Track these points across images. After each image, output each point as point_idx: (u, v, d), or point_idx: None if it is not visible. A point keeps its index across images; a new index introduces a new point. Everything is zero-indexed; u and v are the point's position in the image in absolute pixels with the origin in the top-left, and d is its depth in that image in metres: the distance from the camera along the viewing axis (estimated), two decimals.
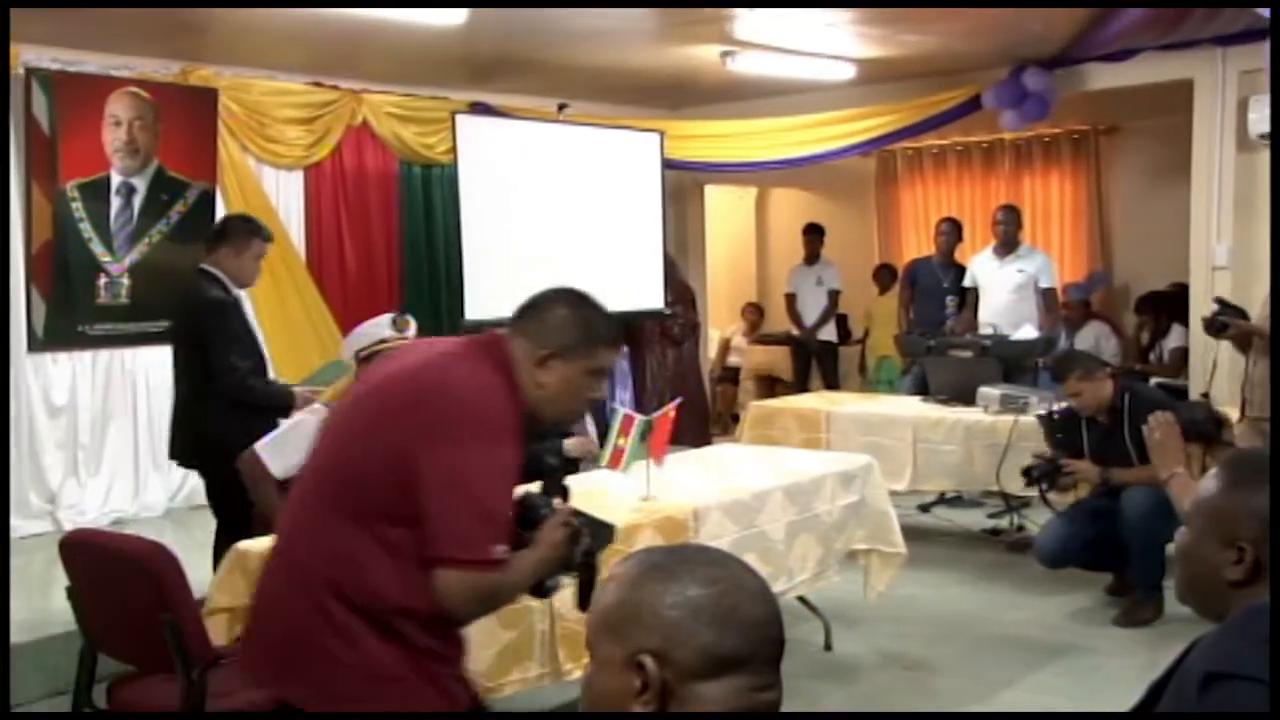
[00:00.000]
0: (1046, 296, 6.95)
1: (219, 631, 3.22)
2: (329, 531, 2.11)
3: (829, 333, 9.27)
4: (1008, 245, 7.00)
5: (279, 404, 4.31)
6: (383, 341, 3.86)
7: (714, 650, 1.26)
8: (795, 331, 9.34)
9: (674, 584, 1.29)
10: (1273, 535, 1.54)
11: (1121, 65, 7.10)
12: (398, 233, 7.94)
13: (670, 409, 4.18)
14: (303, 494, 2.25)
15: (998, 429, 5.57)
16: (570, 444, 4.44)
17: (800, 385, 9.11)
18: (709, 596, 1.27)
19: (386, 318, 3.95)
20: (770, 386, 9.74)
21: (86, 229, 6.32)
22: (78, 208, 6.27)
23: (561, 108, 8.32)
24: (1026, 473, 4.98)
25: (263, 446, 3.77)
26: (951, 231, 7.86)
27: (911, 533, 4.80)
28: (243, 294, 4.68)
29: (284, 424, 3.85)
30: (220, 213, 6.90)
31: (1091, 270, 9.25)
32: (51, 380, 6.32)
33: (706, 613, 1.26)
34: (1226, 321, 4.80)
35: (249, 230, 4.58)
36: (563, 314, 2.27)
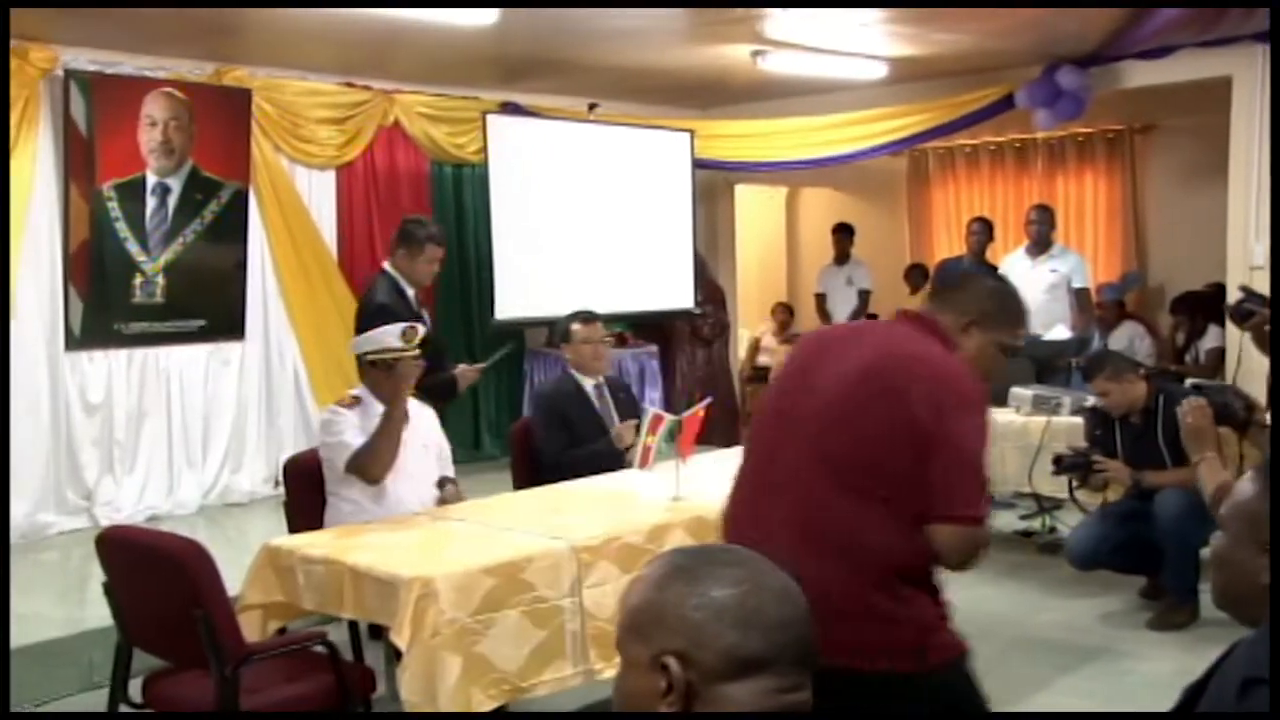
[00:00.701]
0: (1080, 297, 6.89)
1: (252, 628, 3.26)
2: (847, 510, 2.28)
3: None
4: (1041, 245, 6.95)
5: (442, 390, 4.62)
6: (387, 350, 3.88)
7: (737, 652, 1.25)
8: None
9: (698, 585, 1.29)
10: (1273, 535, 1.53)
11: (1159, 63, 7.03)
12: None
13: (700, 409, 4.18)
14: (800, 485, 2.33)
15: (1030, 430, 5.53)
16: (615, 433, 4.48)
17: None
18: (732, 598, 1.27)
19: (397, 327, 3.97)
20: None
21: (122, 229, 6.38)
22: (114, 207, 6.34)
23: (592, 107, 8.33)
24: (1057, 460, 4.94)
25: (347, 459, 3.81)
26: (982, 231, 7.81)
27: None
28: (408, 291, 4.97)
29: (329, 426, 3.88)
30: (254, 213, 6.98)
31: (1125, 270, 9.16)
32: (88, 378, 6.38)
33: (730, 614, 1.26)
34: (1251, 309, 4.74)
35: (423, 236, 4.90)
36: (986, 287, 2.54)
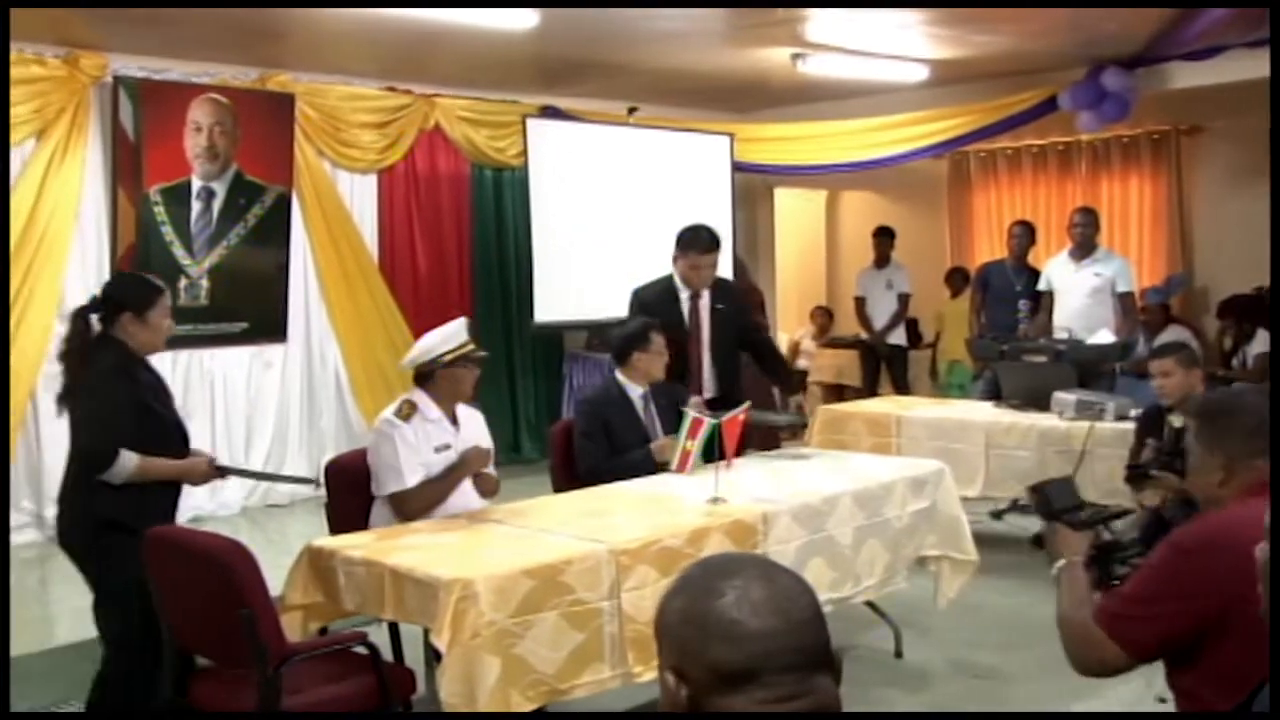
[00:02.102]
0: (1124, 300, 6.81)
1: (293, 628, 3.28)
2: None
3: (899, 336, 9.18)
4: (1084, 248, 6.88)
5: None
6: (463, 345, 3.89)
7: (720, 666, 1.25)
8: (864, 335, 9.26)
9: (692, 600, 1.29)
10: (1273, 535, 1.51)
11: (1205, 64, 6.95)
12: (469, 235, 8.03)
13: (739, 413, 4.17)
14: None
15: (1073, 435, 5.47)
16: (656, 446, 4.47)
17: (870, 389, 9.03)
18: (713, 611, 1.27)
19: (463, 322, 3.97)
20: (839, 391, 9.67)
21: (168, 232, 6.47)
22: (160, 211, 6.42)
23: (631, 111, 8.34)
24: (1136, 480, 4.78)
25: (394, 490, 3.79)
26: (1024, 234, 7.75)
27: (984, 539, 4.73)
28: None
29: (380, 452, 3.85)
30: (296, 216, 7.05)
31: (1171, 274, 9.05)
32: None
33: (711, 628, 1.26)
34: None
35: (683, 240, 5.10)
36: None
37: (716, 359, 5.09)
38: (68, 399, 3.49)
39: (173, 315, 3.70)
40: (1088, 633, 2.25)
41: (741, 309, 5.34)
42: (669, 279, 5.13)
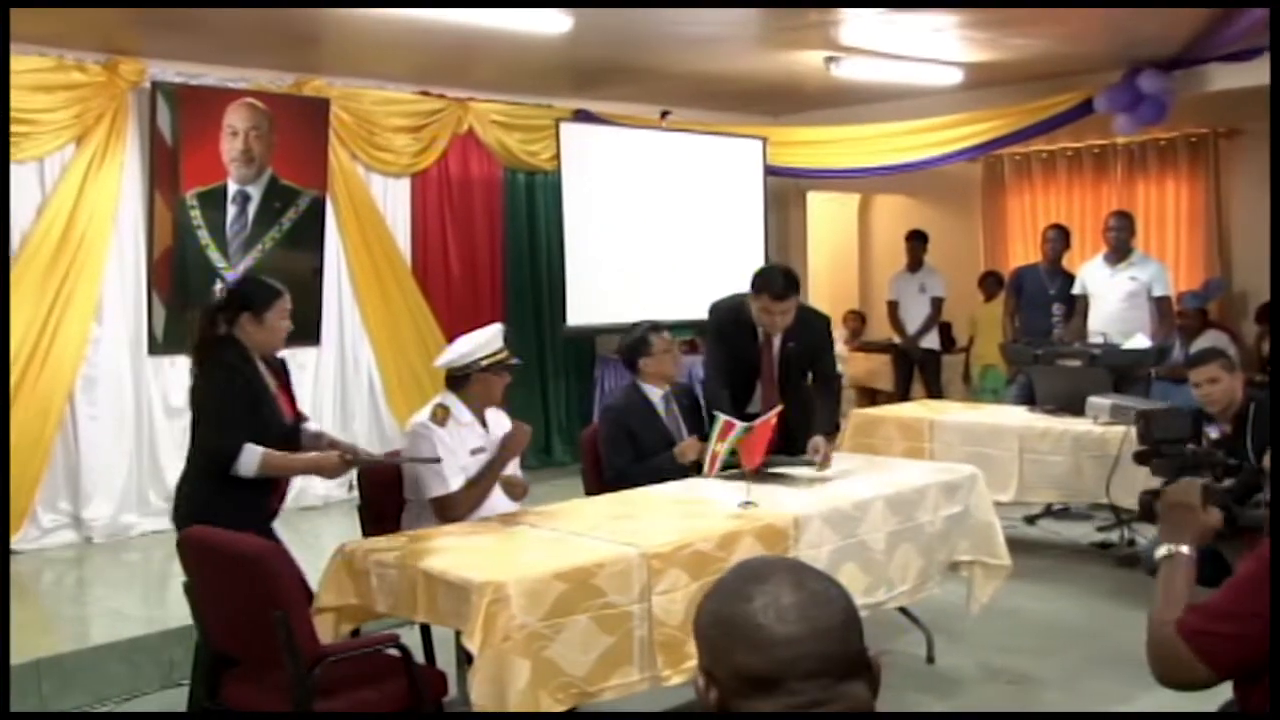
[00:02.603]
0: (1160, 305, 6.75)
1: (325, 630, 3.30)
2: None
3: (931, 341, 9.13)
4: (1120, 252, 6.82)
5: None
6: (500, 350, 3.91)
7: (745, 671, 1.25)
8: (897, 339, 9.22)
9: (720, 602, 1.30)
10: (1272, 533, 1.49)
11: (1245, 65, 6.87)
12: (501, 239, 8.05)
13: (771, 416, 4.16)
14: None
15: (1108, 440, 5.42)
16: (678, 450, 4.46)
17: (902, 394, 8.99)
18: (740, 615, 1.27)
19: (499, 328, 4.00)
20: (871, 395, 9.63)
21: (204, 236, 6.53)
22: (196, 215, 6.48)
23: (664, 115, 8.35)
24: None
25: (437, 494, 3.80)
26: (1058, 239, 7.69)
27: (1017, 545, 4.70)
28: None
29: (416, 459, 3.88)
30: (330, 220, 7.09)
31: (1208, 277, 8.95)
32: (170, 382, 6.53)
33: (737, 633, 1.27)
34: None
35: (757, 284, 4.64)
36: None
37: (783, 395, 4.79)
38: (192, 395, 3.66)
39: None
40: (1174, 649, 2.16)
41: (817, 347, 4.92)
42: (744, 304, 4.78)
